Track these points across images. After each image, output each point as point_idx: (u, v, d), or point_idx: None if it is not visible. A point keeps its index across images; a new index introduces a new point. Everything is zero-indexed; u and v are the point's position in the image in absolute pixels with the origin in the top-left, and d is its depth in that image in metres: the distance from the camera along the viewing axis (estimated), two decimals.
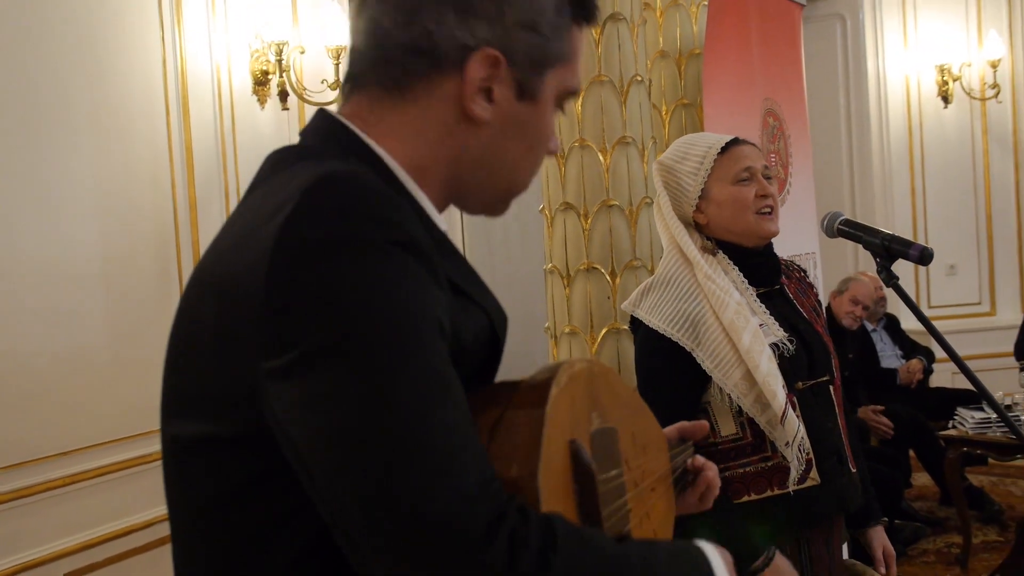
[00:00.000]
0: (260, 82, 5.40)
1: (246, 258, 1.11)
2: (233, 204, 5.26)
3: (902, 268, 2.42)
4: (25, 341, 4.33)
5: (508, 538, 0.99)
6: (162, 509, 4.35)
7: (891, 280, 2.36)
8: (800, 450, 2.49)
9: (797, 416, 2.50)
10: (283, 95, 5.43)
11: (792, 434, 2.47)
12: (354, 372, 1.03)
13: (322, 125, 1.29)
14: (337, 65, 5.51)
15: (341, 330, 1.04)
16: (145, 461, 4.82)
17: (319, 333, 1.04)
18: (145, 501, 4.83)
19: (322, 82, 5.54)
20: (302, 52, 5.51)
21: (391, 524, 1.00)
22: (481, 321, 1.23)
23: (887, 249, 2.37)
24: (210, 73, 5.21)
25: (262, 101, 5.43)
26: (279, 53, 5.36)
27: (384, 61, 1.24)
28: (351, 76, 1.30)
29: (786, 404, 2.46)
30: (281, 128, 5.56)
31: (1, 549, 4.23)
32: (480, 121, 1.26)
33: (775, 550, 2.45)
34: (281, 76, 5.40)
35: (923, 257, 2.30)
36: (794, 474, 2.49)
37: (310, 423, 1.04)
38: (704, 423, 1.70)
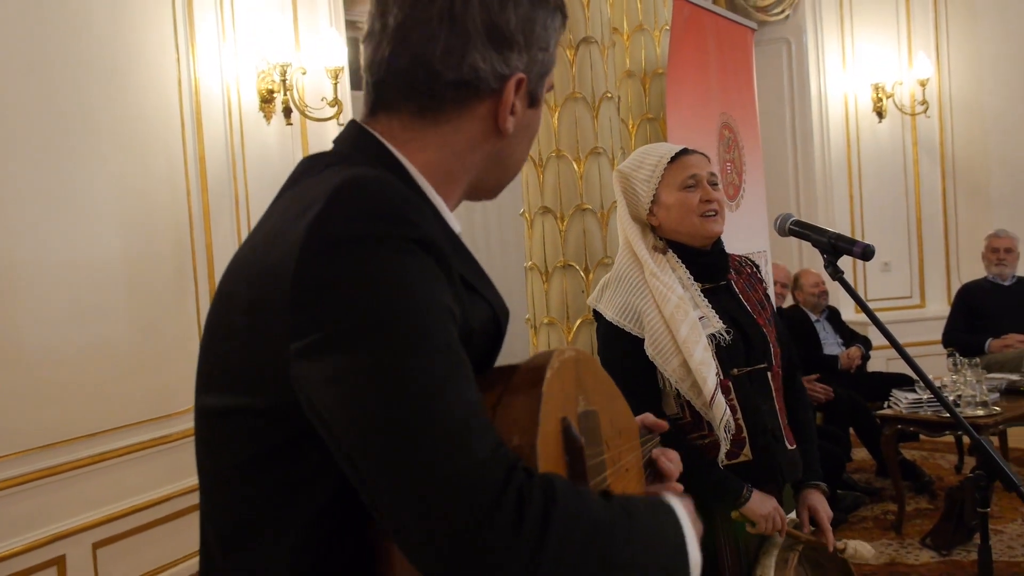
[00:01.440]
0: (266, 100, 5.40)
1: (278, 251, 1.12)
2: (243, 210, 5.29)
3: (843, 264, 2.45)
4: (55, 334, 4.33)
5: (516, 493, 1.02)
6: (179, 485, 4.41)
7: (837, 274, 2.37)
8: (726, 430, 2.52)
9: (731, 400, 2.54)
10: (287, 111, 5.44)
11: (718, 416, 2.50)
12: (373, 353, 1.05)
13: (353, 135, 1.31)
14: (335, 84, 5.51)
15: (362, 316, 1.06)
16: (164, 442, 4.83)
17: (342, 318, 1.06)
18: (164, 477, 4.84)
19: (322, 100, 5.53)
20: (304, 73, 5.51)
21: (413, 486, 1.01)
22: (486, 313, 1.25)
23: (833, 247, 2.38)
24: (221, 92, 5.22)
25: (268, 117, 5.43)
26: (283, 74, 5.36)
27: (429, 95, 1.26)
28: (380, 99, 1.30)
29: (716, 389, 2.50)
30: (285, 141, 5.56)
31: (35, 522, 4.23)
32: (507, 133, 1.30)
33: (750, 486, 2.53)
34: (285, 94, 5.40)
35: (865, 254, 2.32)
36: (722, 451, 2.53)
37: (334, 398, 1.05)
38: (663, 423, 1.68)
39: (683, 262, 2.62)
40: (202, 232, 5.08)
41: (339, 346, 1.05)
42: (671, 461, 1.57)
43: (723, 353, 2.54)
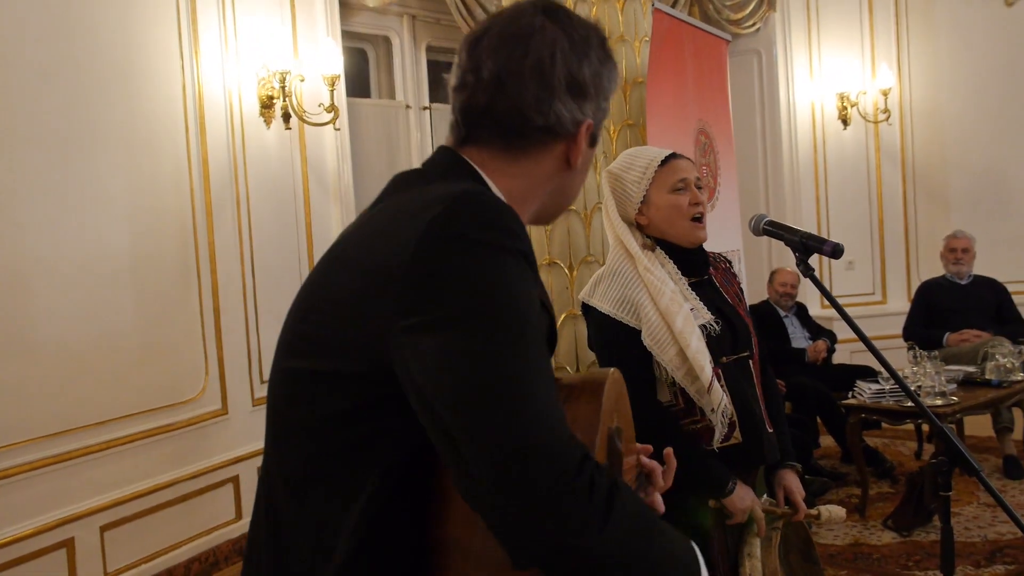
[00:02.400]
0: (266, 105, 5.39)
1: (392, 242, 1.21)
2: (244, 209, 5.28)
3: (811, 262, 2.44)
4: (65, 327, 4.33)
5: (590, 476, 1.10)
6: (183, 470, 4.41)
7: (808, 272, 2.37)
8: (723, 415, 2.52)
9: (722, 387, 2.54)
10: (286, 117, 5.43)
11: (716, 402, 2.50)
12: (476, 337, 1.13)
13: (448, 160, 1.42)
14: (332, 91, 5.51)
15: (468, 305, 1.15)
16: (169, 429, 4.82)
17: (451, 304, 1.15)
18: (169, 464, 4.84)
19: (319, 106, 5.52)
20: (302, 80, 5.50)
21: (505, 452, 1.09)
22: (548, 324, 1.32)
23: (804, 245, 2.38)
24: (223, 97, 5.21)
25: (268, 122, 5.42)
26: (282, 81, 5.36)
27: (519, 135, 1.38)
28: (472, 134, 1.40)
29: (712, 377, 2.50)
30: (284, 144, 5.55)
31: (46, 505, 4.23)
32: (575, 168, 1.44)
33: (736, 480, 2.53)
34: (284, 100, 5.39)
35: (835, 252, 2.32)
36: (718, 435, 2.52)
37: (440, 372, 1.13)
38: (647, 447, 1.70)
39: (670, 258, 2.62)
40: (205, 230, 5.07)
41: (446, 327, 1.14)
42: (657, 480, 1.61)
43: (712, 342, 2.54)
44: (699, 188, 2.64)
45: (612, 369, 1.41)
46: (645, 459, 1.58)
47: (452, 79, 1.43)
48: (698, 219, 2.62)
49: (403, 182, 1.41)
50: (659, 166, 2.62)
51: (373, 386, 1.19)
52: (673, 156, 2.67)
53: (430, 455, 1.19)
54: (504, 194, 1.37)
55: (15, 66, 4.16)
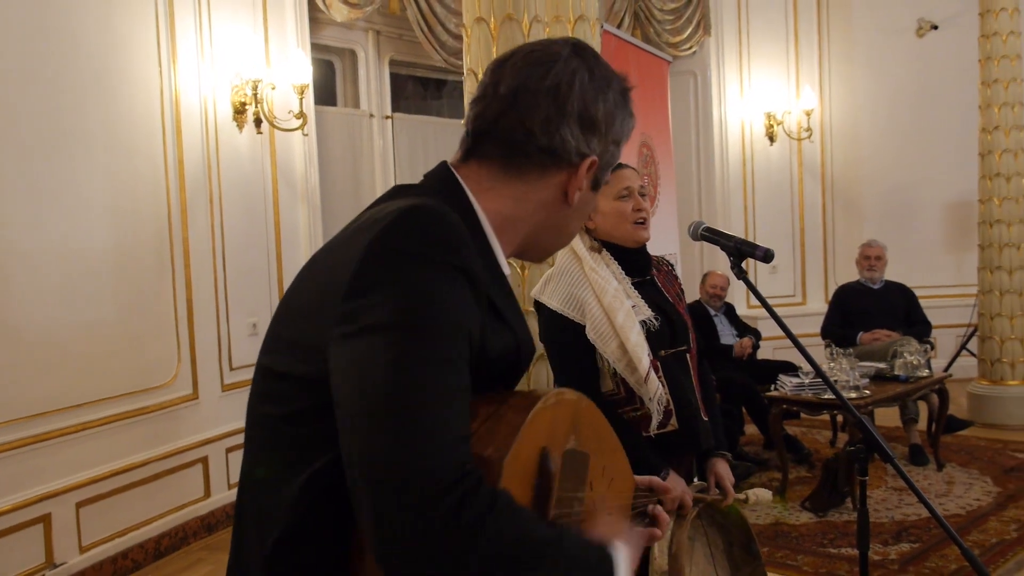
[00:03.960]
0: (239, 111, 5.32)
1: (346, 254, 1.19)
2: (216, 207, 5.22)
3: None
4: (46, 314, 4.26)
5: (461, 495, 1.04)
6: (156, 451, 4.35)
7: (741, 274, 2.36)
8: (659, 403, 2.51)
9: (660, 378, 2.53)
10: (257, 122, 5.36)
11: (653, 391, 2.50)
12: (390, 348, 1.09)
13: (442, 175, 1.36)
14: (301, 99, 5.45)
15: (393, 315, 1.11)
16: (143, 412, 4.76)
17: (377, 314, 1.11)
18: (142, 444, 4.78)
19: (288, 112, 5.46)
20: (273, 88, 5.43)
21: (382, 460, 1.05)
22: (510, 343, 1.28)
23: (739, 250, 2.37)
24: (198, 103, 5.13)
25: (240, 126, 5.35)
26: (254, 88, 5.30)
27: (521, 152, 1.32)
28: (479, 144, 1.35)
29: (649, 368, 2.49)
30: (255, 148, 5.47)
31: (25, 483, 4.16)
32: (572, 204, 1.36)
33: (669, 469, 2.50)
34: (256, 107, 5.33)
35: (766, 257, 2.31)
36: (655, 422, 2.52)
37: (350, 376, 1.11)
38: (669, 487, 1.69)
39: (615, 259, 2.62)
40: (180, 226, 5.00)
41: (368, 336, 1.11)
42: (660, 518, 1.57)
43: (652, 337, 2.54)
44: (642, 195, 2.64)
45: (566, 390, 1.33)
46: (657, 509, 1.56)
47: (474, 94, 1.38)
48: (640, 222, 2.62)
49: (393, 193, 1.35)
50: None
51: (314, 390, 1.17)
52: (619, 166, 2.66)
53: None
54: (492, 216, 1.32)
55: (1, 73, 4.07)
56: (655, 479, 1.66)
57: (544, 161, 1.32)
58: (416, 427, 1.06)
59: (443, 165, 1.37)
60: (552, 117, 1.30)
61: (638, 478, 1.61)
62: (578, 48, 1.34)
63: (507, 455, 1.15)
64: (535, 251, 1.45)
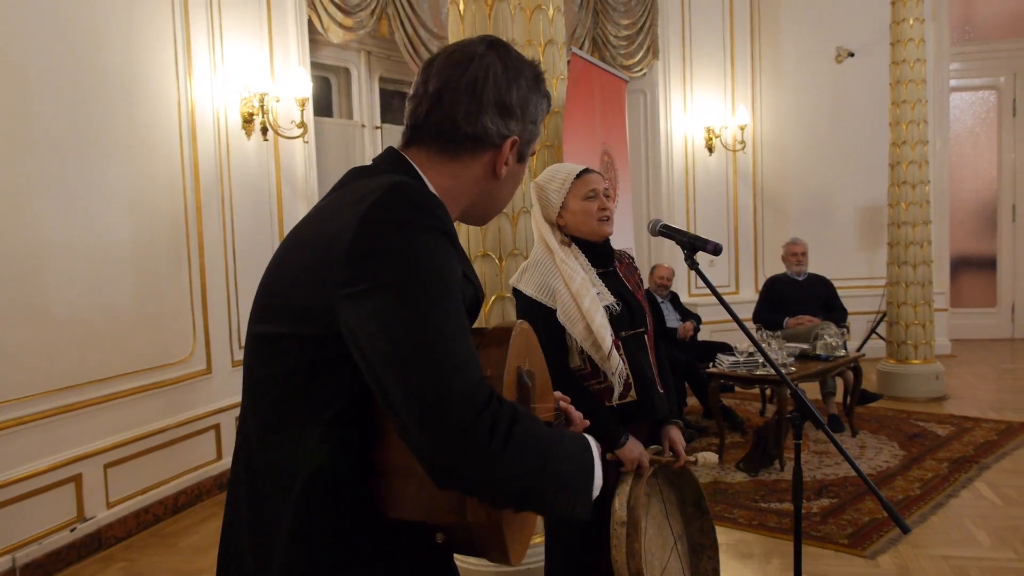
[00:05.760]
0: (247, 120, 5.28)
1: (338, 225, 1.19)
2: (227, 205, 5.18)
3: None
4: (75, 299, 4.22)
5: (494, 411, 1.11)
6: (173, 419, 4.34)
7: (694, 265, 2.40)
8: (620, 377, 2.54)
9: (621, 355, 2.56)
10: (264, 130, 5.34)
11: (615, 367, 2.52)
12: (406, 300, 1.12)
13: (392, 157, 1.38)
14: (302, 111, 5.44)
15: (400, 274, 1.14)
16: (161, 385, 4.73)
17: (384, 274, 1.14)
18: (162, 413, 4.75)
19: (291, 122, 5.43)
20: (277, 100, 5.40)
21: (423, 396, 1.09)
22: (472, 293, 1.32)
23: (692, 244, 2.41)
24: (211, 113, 5.09)
25: (248, 134, 5.31)
26: (261, 100, 5.28)
27: (451, 140, 1.35)
28: (416, 134, 1.38)
29: (611, 347, 2.51)
30: (261, 153, 5.44)
31: (58, 447, 4.13)
32: (501, 177, 1.40)
33: (628, 435, 2.53)
34: (262, 117, 5.31)
35: (716, 250, 2.35)
36: (616, 394, 2.55)
37: (372, 329, 1.13)
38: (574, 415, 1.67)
39: (583, 252, 2.64)
40: (195, 221, 4.97)
41: (381, 294, 1.13)
42: (575, 418, 1.60)
43: (614, 320, 2.55)
44: (607, 196, 2.66)
45: (521, 321, 1.40)
46: (564, 403, 1.58)
47: (410, 91, 1.41)
48: (604, 219, 2.64)
49: (354, 175, 1.37)
50: (575, 179, 2.63)
51: (325, 345, 1.18)
52: (586, 171, 2.68)
53: (372, 399, 1.18)
54: (437, 189, 1.35)
55: (34, 85, 4.02)
56: (563, 397, 1.64)
57: (472, 145, 1.35)
58: (444, 364, 1.10)
59: (392, 150, 1.40)
60: (472, 109, 1.34)
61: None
62: (493, 44, 1.38)
63: (504, 374, 1.23)
64: (474, 217, 1.47)
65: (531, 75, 1.40)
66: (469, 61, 1.35)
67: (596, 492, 1.28)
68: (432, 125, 1.36)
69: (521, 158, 1.42)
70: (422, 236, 1.17)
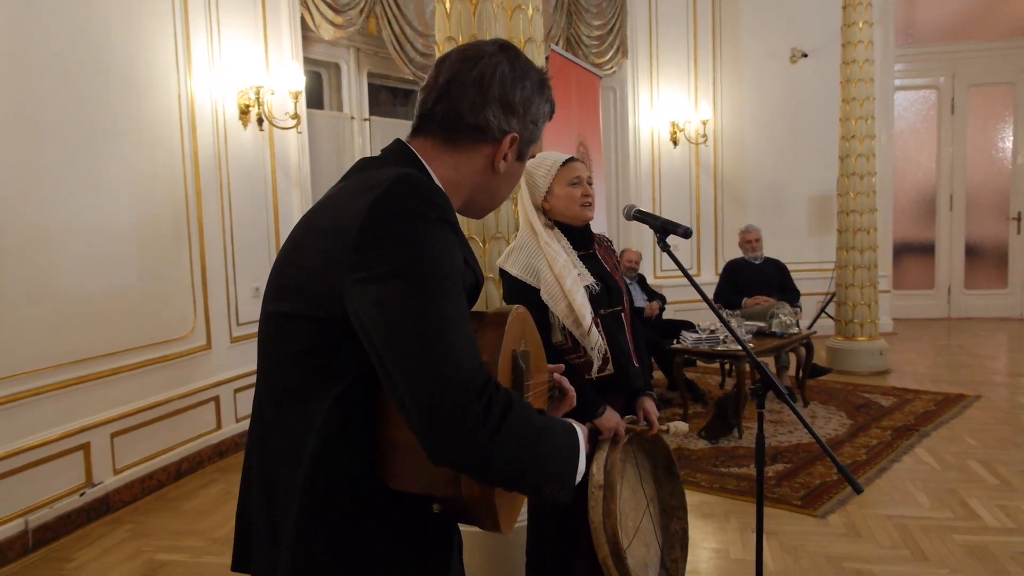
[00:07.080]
0: (244, 112, 5.21)
1: (347, 214, 1.18)
2: (225, 191, 5.12)
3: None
4: (82, 279, 4.17)
5: (489, 396, 1.09)
6: (175, 391, 4.29)
7: (666, 248, 2.39)
8: (598, 352, 2.54)
9: (600, 332, 2.56)
10: (259, 121, 5.26)
11: (594, 342, 2.52)
12: (409, 289, 1.11)
13: (399, 149, 1.37)
14: (295, 103, 5.37)
15: (404, 262, 1.12)
16: (164, 360, 4.67)
17: (389, 263, 1.12)
18: (165, 386, 4.70)
19: (285, 114, 5.37)
20: (272, 93, 5.33)
21: (423, 379, 1.07)
22: (472, 279, 1.30)
23: (664, 228, 2.39)
24: (210, 104, 5.01)
25: (245, 124, 5.24)
26: (257, 93, 5.20)
27: (454, 130, 1.34)
28: (423, 125, 1.36)
29: (591, 324, 2.51)
30: (257, 142, 5.37)
31: (67, 417, 4.09)
32: (499, 172, 1.38)
33: (606, 405, 2.54)
34: (258, 109, 5.23)
35: (686, 233, 2.33)
36: (595, 367, 2.55)
37: (377, 314, 1.10)
38: (560, 367, 1.66)
39: (565, 235, 2.63)
40: (195, 207, 4.90)
41: (385, 281, 1.11)
42: (568, 390, 1.60)
43: (593, 299, 2.55)
44: (589, 184, 2.65)
45: (518, 306, 1.38)
46: (557, 376, 1.57)
47: (422, 84, 1.39)
48: (587, 204, 2.63)
49: (363, 165, 1.35)
50: (560, 166, 2.61)
51: (334, 326, 1.16)
52: (571, 159, 2.66)
53: (378, 378, 1.17)
54: (439, 179, 1.34)
55: (43, 78, 3.95)
56: (557, 367, 1.63)
57: (474, 136, 1.33)
58: (442, 350, 1.08)
59: (399, 142, 1.38)
60: (477, 101, 1.32)
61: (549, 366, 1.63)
62: (504, 47, 1.36)
63: (499, 359, 1.21)
64: (473, 210, 1.44)
65: (537, 79, 1.38)
66: (479, 58, 1.34)
67: (579, 478, 1.27)
68: (438, 114, 1.34)
69: (520, 157, 1.40)
70: (426, 226, 1.15)
